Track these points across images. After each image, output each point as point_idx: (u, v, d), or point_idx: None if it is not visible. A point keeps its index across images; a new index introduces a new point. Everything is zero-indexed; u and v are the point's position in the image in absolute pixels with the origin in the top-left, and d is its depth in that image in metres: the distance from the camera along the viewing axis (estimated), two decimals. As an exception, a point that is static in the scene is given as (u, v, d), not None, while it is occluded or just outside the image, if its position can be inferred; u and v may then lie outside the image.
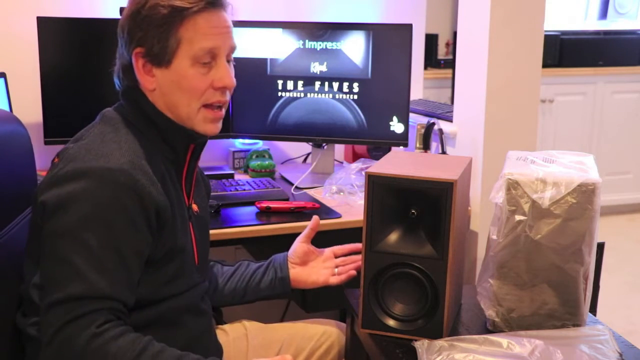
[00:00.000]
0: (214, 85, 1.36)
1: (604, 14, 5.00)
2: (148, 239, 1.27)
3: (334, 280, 1.65)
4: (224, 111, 1.41)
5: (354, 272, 1.64)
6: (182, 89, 1.34)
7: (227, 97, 1.40)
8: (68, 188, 1.23)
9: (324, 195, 2.24)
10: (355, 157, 2.67)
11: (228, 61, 1.40)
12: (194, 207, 1.49)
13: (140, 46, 1.34)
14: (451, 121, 2.39)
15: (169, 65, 1.33)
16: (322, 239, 2.04)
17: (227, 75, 1.37)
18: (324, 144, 2.48)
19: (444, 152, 2.37)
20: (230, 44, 1.39)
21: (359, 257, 1.51)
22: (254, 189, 2.25)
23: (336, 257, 1.69)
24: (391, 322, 1.44)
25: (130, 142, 1.31)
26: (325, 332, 1.69)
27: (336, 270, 1.66)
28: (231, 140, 2.63)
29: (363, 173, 2.17)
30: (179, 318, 1.39)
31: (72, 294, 1.19)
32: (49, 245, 1.24)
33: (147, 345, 1.21)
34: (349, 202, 2.17)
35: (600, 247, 2.00)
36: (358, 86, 2.37)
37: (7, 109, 2.21)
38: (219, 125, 1.41)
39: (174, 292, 1.37)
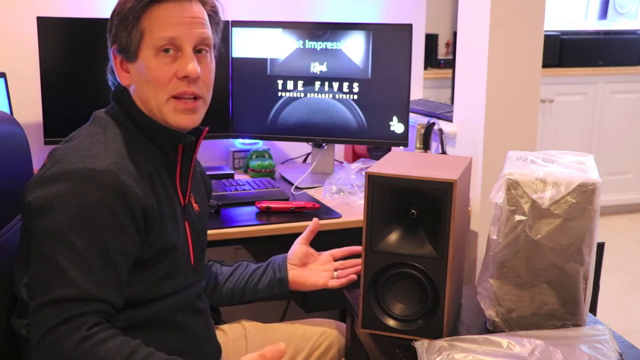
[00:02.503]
0: (177, 75, 1.34)
1: (604, 14, 5.00)
2: (135, 240, 1.27)
3: (334, 283, 1.64)
4: (198, 103, 1.38)
5: (354, 277, 1.64)
6: (148, 80, 1.34)
7: (197, 89, 1.36)
8: (54, 189, 1.23)
9: (324, 195, 2.24)
10: (355, 157, 2.67)
11: (199, 52, 1.37)
12: (195, 206, 1.49)
13: (115, 43, 1.36)
14: (451, 121, 2.39)
15: (136, 57, 1.34)
16: (322, 239, 2.03)
17: (189, 65, 1.33)
18: (324, 144, 2.48)
19: (444, 152, 2.37)
20: (196, 34, 1.35)
21: (359, 260, 1.51)
22: (254, 189, 2.25)
23: (335, 260, 1.69)
24: (391, 322, 1.44)
25: (117, 142, 1.31)
26: (324, 332, 1.69)
27: (335, 273, 1.66)
28: (231, 140, 2.63)
29: (363, 173, 2.17)
30: (174, 318, 1.38)
31: (60, 296, 1.19)
32: (36, 246, 1.23)
33: (137, 348, 1.19)
34: (349, 202, 2.17)
35: (600, 247, 2.00)
36: (358, 86, 2.37)
37: (7, 109, 2.21)
38: (194, 117, 1.38)
39: (167, 292, 1.37)
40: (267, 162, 2.49)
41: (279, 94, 2.41)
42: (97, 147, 1.29)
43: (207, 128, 1.46)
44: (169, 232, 1.35)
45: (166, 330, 1.37)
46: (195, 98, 1.37)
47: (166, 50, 1.33)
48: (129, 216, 1.25)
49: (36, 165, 1.57)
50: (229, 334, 1.66)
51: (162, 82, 1.33)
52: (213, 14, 1.41)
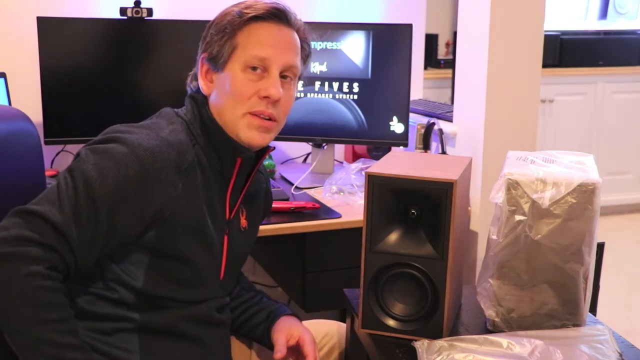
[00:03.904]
0: (259, 94, 1.35)
1: (604, 14, 5.00)
2: (127, 219, 1.26)
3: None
4: (273, 124, 1.39)
5: None
6: (228, 92, 1.36)
7: (275, 111, 1.37)
8: (95, 144, 1.29)
9: (324, 195, 2.24)
10: (355, 157, 2.67)
11: (285, 77, 1.39)
12: (243, 222, 1.48)
13: (205, 51, 1.38)
14: (451, 121, 2.39)
15: (223, 69, 1.36)
16: (322, 239, 2.03)
17: (273, 87, 1.35)
18: (324, 144, 2.48)
19: (444, 152, 2.37)
20: (286, 59, 1.37)
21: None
22: (254, 189, 2.24)
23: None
24: (391, 322, 1.44)
25: (173, 135, 1.32)
26: (327, 334, 1.68)
27: None
28: (231, 140, 2.62)
29: (363, 173, 2.17)
30: (190, 328, 1.38)
31: (46, 213, 1.19)
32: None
33: (69, 318, 1.21)
34: (349, 202, 2.17)
35: (600, 247, 2.00)
36: (358, 86, 2.37)
37: (7, 109, 2.22)
38: (266, 136, 1.39)
39: (187, 299, 1.37)
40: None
41: (279, 94, 2.40)
42: (151, 134, 1.30)
43: (271, 148, 1.47)
44: (181, 234, 1.33)
45: (180, 338, 1.37)
46: (270, 119, 1.38)
47: (254, 69, 1.35)
48: (142, 197, 1.25)
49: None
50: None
51: (242, 97, 1.35)
52: (305, 45, 1.44)
